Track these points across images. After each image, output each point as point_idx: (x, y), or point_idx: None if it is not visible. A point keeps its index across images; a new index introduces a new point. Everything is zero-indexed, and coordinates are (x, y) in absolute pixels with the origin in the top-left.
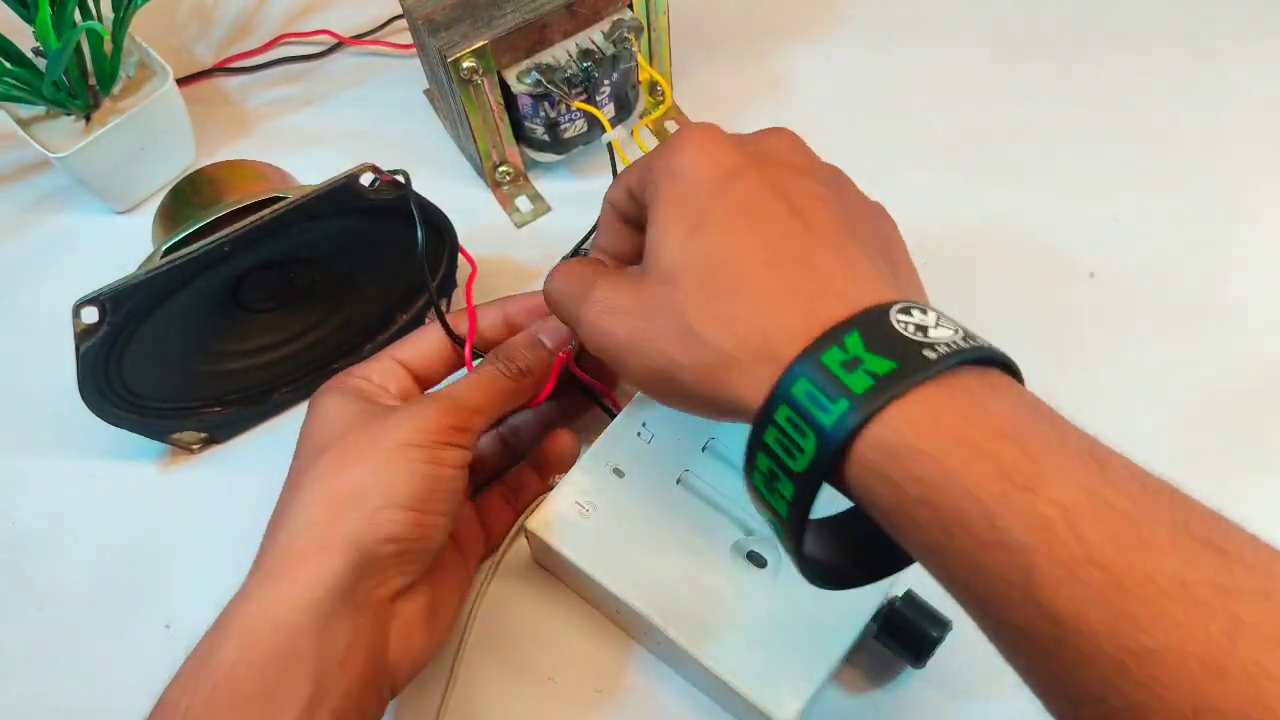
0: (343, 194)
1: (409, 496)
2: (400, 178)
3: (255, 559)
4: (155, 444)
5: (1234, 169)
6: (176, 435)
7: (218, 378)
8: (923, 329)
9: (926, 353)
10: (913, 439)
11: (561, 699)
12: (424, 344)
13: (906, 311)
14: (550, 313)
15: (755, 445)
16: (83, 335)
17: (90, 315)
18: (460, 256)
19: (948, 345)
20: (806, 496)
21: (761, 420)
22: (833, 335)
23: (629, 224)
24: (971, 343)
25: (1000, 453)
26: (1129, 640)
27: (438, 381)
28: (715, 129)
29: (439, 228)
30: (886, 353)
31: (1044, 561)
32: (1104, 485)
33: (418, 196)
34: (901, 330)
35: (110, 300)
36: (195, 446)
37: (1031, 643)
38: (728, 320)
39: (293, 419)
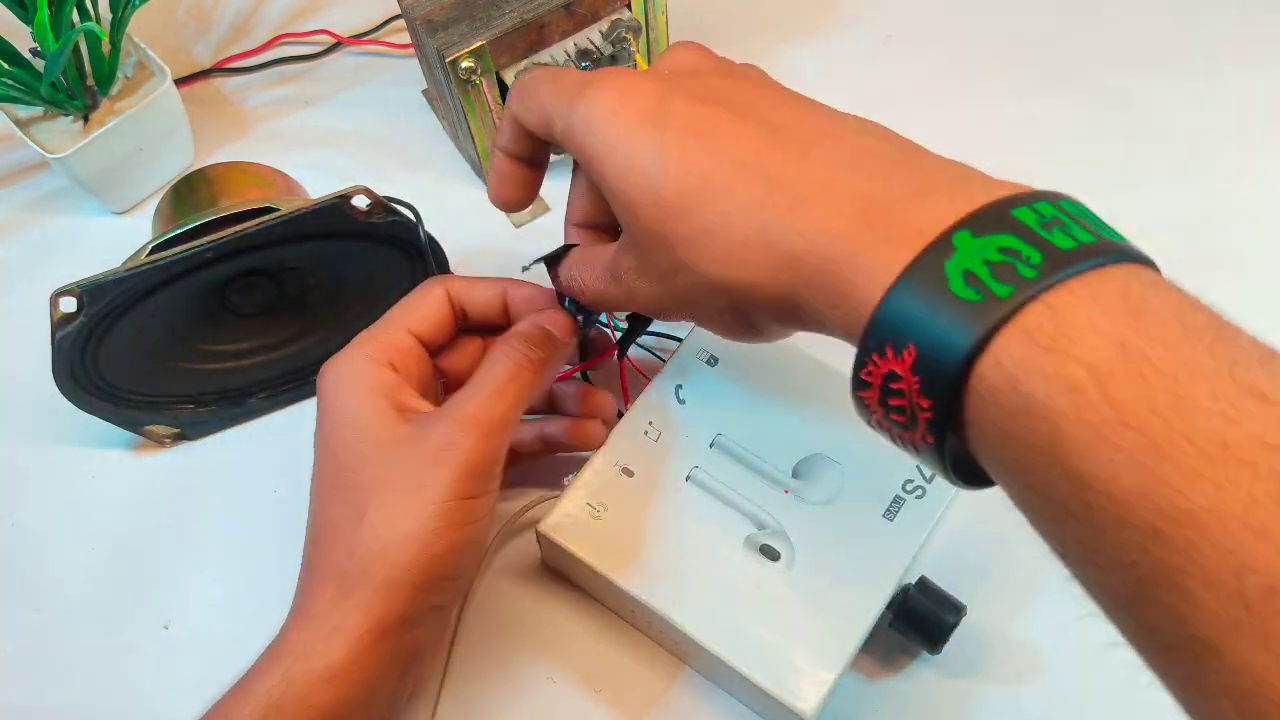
0: (332, 214)
1: (449, 554)
2: (409, 213)
3: (308, 585)
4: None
5: (1234, 170)
6: (149, 427)
7: (196, 376)
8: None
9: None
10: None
11: (561, 699)
12: (430, 312)
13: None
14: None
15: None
16: (59, 323)
17: (68, 305)
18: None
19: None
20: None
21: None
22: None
23: (527, 166)
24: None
25: (1024, 311)
26: (1164, 504)
27: (438, 345)
28: (625, 71)
29: (438, 263)
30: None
31: (1071, 426)
32: (1138, 336)
33: (430, 237)
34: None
35: (89, 293)
36: (167, 440)
37: (1059, 508)
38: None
39: (266, 424)
